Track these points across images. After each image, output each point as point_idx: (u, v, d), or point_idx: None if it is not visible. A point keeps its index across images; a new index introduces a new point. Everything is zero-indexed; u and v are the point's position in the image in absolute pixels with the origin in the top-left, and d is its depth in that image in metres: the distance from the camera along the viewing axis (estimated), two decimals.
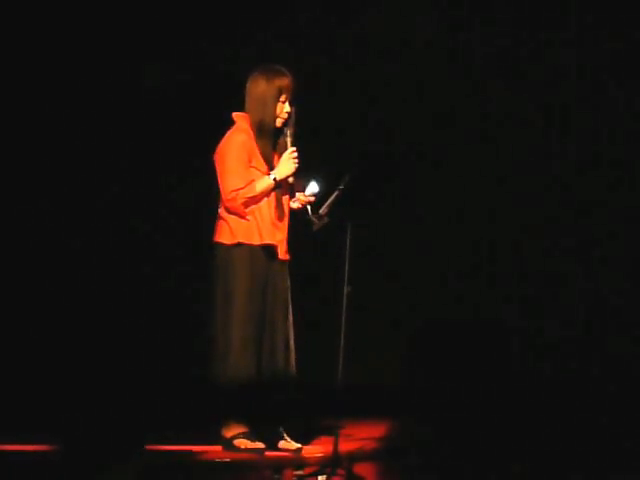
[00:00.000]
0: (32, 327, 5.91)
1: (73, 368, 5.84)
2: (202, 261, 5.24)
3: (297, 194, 5.17)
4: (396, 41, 6.68)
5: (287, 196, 5.17)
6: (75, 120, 6.17)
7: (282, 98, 5.06)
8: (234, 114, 5.14)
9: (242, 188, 5.00)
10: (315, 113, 5.41)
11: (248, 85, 5.10)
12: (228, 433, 5.01)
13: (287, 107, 5.08)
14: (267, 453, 4.93)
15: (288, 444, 5.04)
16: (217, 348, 5.00)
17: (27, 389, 5.59)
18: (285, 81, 5.06)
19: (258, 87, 5.07)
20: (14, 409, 5.35)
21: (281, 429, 5.06)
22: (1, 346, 5.78)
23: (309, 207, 5.17)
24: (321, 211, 5.05)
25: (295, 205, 5.18)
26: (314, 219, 5.12)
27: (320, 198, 5.13)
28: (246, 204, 5.02)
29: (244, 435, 4.99)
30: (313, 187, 5.18)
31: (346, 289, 4.73)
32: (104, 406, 5.40)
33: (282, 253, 5.11)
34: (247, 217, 5.02)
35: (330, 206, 4.97)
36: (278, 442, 5.04)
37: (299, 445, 5.03)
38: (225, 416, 5.02)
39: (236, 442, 4.98)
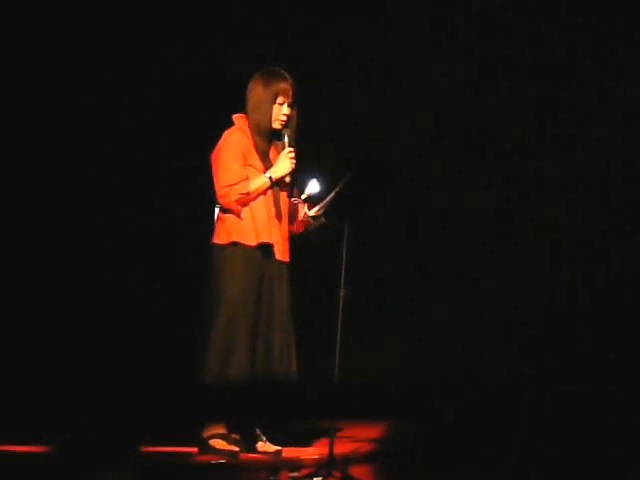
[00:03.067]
0: (30, 327, 5.90)
1: (70, 370, 5.83)
2: (197, 262, 5.24)
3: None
4: (396, 44, 6.70)
5: (286, 195, 5.15)
6: (76, 121, 6.16)
7: (279, 100, 5.07)
8: (234, 116, 5.15)
9: (235, 184, 4.99)
10: (314, 114, 5.40)
11: (248, 87, 5.12)
12: (206, 433, 4.99)
13: (285, 109, 5.08)
14: (243, 456, 4.92)
15: (267, 446, 5.02)
16: (209, 348, 4.97)
17: (25, 390, 5.59)
18: (282, 84, 5.07)
19: (256, 90, 5.08)
20: (11, 410, 5.34)
21: (259, 431, 5.05)
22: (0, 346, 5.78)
23: (306, 207, 5.18)
24: (316, 211, 5.06)
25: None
26: (309, 219, 5.13)
27: (319, 198, 5.12)
28: (240, 201, 5.00)
29: (221, 436, 4.98)
30: (313, 186, 5.19)
31: (342, 292, 4.72)
32: (100, 407, 5.40)
33: (280, 253, 5.08)
34: (241, 216, 5.01)
35: (326, 206, 4.98)
36: (256, 444, 5.02)
37: (278, 448, 5.02)
38: (212, 416, 5.01)
39: (212, 442, 4.97)
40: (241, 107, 5.12)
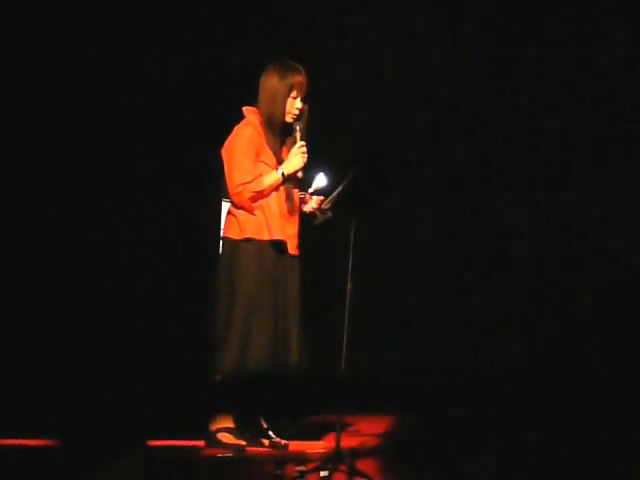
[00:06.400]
0: (33, 324, 5.90)
1: (74, 364, 5.84)
2: (204, 257, 5.22)
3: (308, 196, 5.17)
4: (402, 40, 6.70)
5: (297, 190, 5.15)
6: (77, 120, 6.14)
7: (293, 94, 5.07)
8: (244, 108, 5.14)
9: (249, 182, 5.00)
10: (322, 109, 5.40)
11: (262, 79, 5.11)
12: (214, 426, 5.01)
13: (298, 103, 5.08)
14: (249, 450, 4.93)
15: (273, 441, 5.01)
16: (227, 342, 4.95)
17: (29, 385, 5.59)
18: (297, 77, 5.06)
19: (270, 82, 5.07)
20: (16, 405, 5.34)
21: (266, 425, 5.05)
22: (3, 343, 5.77)
23: (313, 201, 5.18)
24: (324, 205, 5.06)
25: (306, 207, 5.17)
26: (317, 212, 5.13)
27: (327, 192, 5.12)
28: (253, 198, 5.02)
29: (229, 430, 4.99)
30: (321, 180, 5.18)
31: (349, 286, 4.72)
32: (106, 402, 5.41)
33: (292, 248, 5.10)
34: (255, 212, 5.02)
35: (333, 200, 4.98)
36: (263, 439, 5.02)
37: (285, 441, 5.02)
38: (227, 409, 5.02)
39: (219, 435, 4.99)
40: (250, 99, 5.12)
